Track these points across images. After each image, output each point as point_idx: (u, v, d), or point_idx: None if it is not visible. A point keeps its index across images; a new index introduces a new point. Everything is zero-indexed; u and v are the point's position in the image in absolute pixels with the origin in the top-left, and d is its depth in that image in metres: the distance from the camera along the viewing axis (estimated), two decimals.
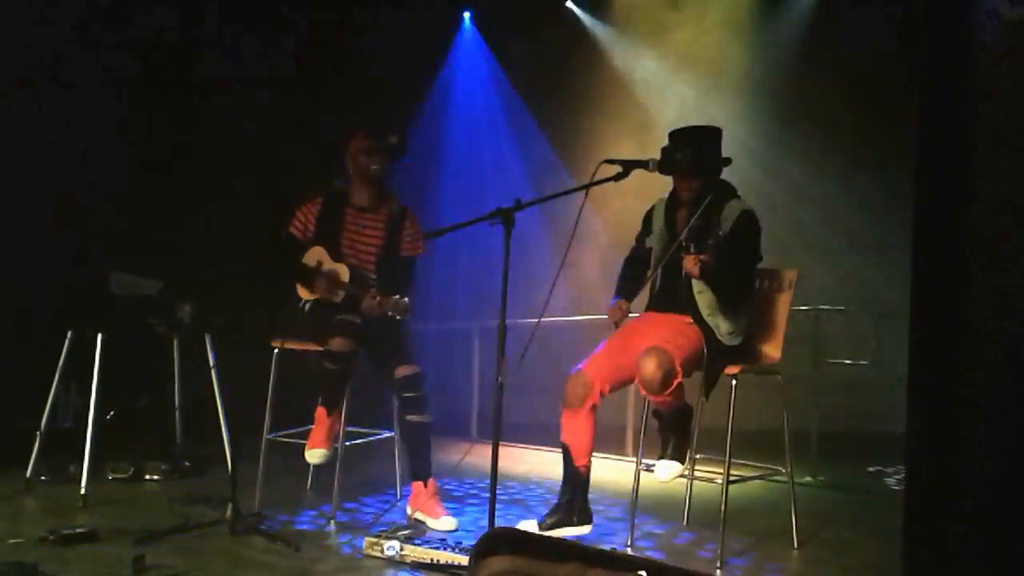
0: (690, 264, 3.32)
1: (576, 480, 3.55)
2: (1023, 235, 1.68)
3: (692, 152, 3.53)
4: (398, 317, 3.79)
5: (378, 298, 3.74)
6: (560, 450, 3.60)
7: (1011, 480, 1.75)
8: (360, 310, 3.82)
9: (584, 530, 3.53)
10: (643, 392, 3.45)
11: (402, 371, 3.93)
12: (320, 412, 3.90)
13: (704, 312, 3.50)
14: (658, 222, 3.74)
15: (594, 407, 3.53)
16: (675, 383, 3.36)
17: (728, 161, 3.65)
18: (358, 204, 4.09)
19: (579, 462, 3.54)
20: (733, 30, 7.08)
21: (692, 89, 7.10)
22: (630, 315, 3.68)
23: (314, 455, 3.88)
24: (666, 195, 3.77)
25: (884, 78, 6.30)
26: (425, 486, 3.91)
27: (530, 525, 3.54)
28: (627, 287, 3.76)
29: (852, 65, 6.58)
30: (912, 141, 1.88)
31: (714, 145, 3.63)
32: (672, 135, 3.63)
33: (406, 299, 3.76)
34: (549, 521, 3.53)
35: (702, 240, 3.33)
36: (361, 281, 3.93)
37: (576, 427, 3.54)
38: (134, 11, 5.72)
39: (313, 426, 3.91)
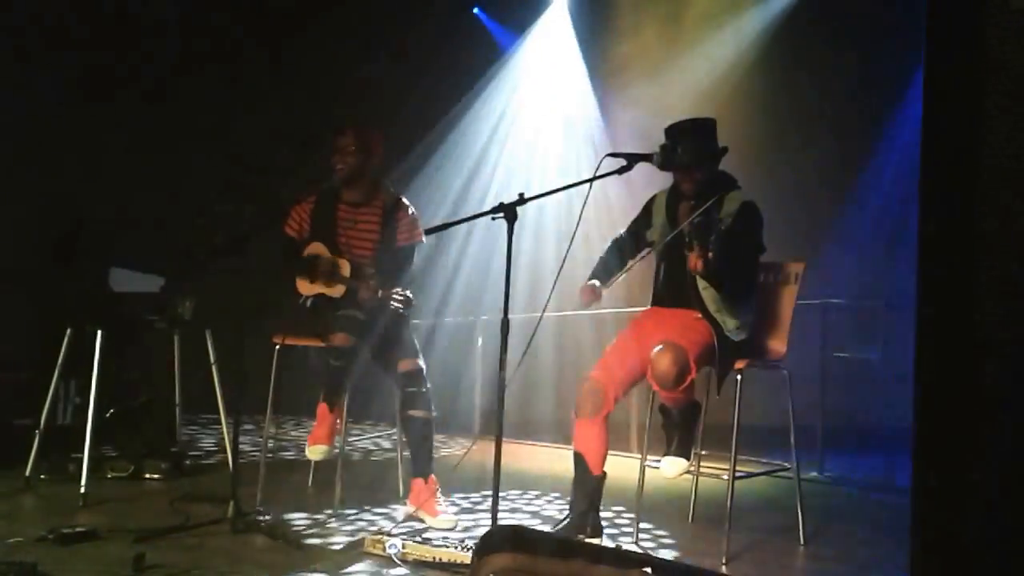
0: (693, 262, 3.28)
1: (592, 490, 3.46)
2: None
3: (692, 146, 3.50)
4: (401, 309, 3.76)
5: (380, 290, 3.72)
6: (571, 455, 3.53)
7: (1021, 476, 1.72)
8: (360, 302, 3.80)
9: (595, 543, 3.48)
10: (655, 388, 3.42)
11: (404, 366, 3.91)
12: (322, 408, 3.88)
13: (710, 308, 3.47)
14: (659, 215, 3.70)
15: (608, 415, 3.48)
16: (689, 379, 3.34)
17: (725, 150, 3.62)
18: (350, 199, 4.07)
19: (595, 472, 3.47)
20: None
21: (695, 79, 7.06)
22: (602, 302, 3.65)
23: (316, 451, 3.86)
24: (668, 187, 3.74)
25: (890, 64, 6.26)
26: (426, 483, 3.88)
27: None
28: (604, 273, 3.73)
29: (855, 53, 6.54)
30: (920, 131, 1.85)
31: (711, 136, 3.61)
32: (669, 131, 3.58)
33: (408, 292, 3.74)
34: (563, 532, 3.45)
35: (704, 235, 3.29)
36: (360, 275, 3.90)
37: (591, 436, 3.47)
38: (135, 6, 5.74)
39: (315, 422, 3.89)
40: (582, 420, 3.47)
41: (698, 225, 3.34)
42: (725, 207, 3.48)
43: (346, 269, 3.92)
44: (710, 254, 3.22)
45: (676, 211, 3.64)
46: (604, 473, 3.49)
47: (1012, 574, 1.73)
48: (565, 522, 3.49)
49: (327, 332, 3.78)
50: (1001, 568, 1.73)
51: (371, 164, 4.03)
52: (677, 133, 3.55)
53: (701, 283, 3.46)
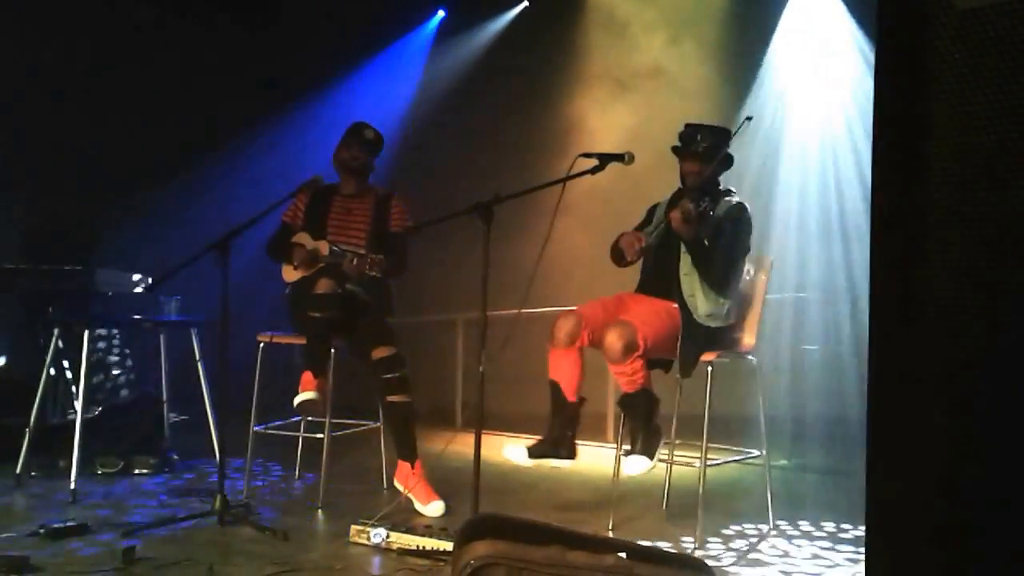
0: (677, 219, 3.41)
1: (567, 414, 3.55)
2: (977, 215, 1.74)
3: (711, 141, 3.68)
4: (375, 273, 3.81)
5: (355, 260, 3.82)
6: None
7: (973, 465, 1.82)
8: (343, 272, 3.91)
9: (567, 463, 3.56)
10: (607, 362, 3.50)
11: (380, 352, 3.92)
12: (306, 375, 3.90)
13: (685, 291, 3.60)
14: (660, 213, 3.84)
15: (581, 348, 3.56)
16: (636, 355, 3.42)
17: (731, 160, 3.77)
18: (346, 192, 4.30)
19: (571, 398, 3.56)
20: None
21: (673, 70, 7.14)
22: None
23: (305, 394, 3.85)
24: (671, 192, 3.89)
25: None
26: (412, 468, 3.95)
27: (519, 451, 3.59)
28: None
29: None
30: (872, 126, 1.95)
31: (726, 142, 3.74)
32: (690, 125, 3.77)
33: (381, 255, 3.81)
34: (537, 450, 3.56)
35: (696, 201, 3.45)
36: (339, 252, 4.00)
37: (565, 364, 3.55)
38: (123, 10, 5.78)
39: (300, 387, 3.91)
40: (556, 350, 3.57)
41: (690, 202, 3.48)
42: (720, 205, 3.63)
43: (324, 248, 4.04)
44: (697, 213, 3.37)
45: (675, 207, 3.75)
46: (581, 399, 3.59)
47: (963, 554, 1.83)
48: (542, 443, 3.57)
49: (310, 287, 3.90)
50: (953, 549, 1.83)
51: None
52: (698, 126, 3.74)
53: (684, 268, 3.61)
